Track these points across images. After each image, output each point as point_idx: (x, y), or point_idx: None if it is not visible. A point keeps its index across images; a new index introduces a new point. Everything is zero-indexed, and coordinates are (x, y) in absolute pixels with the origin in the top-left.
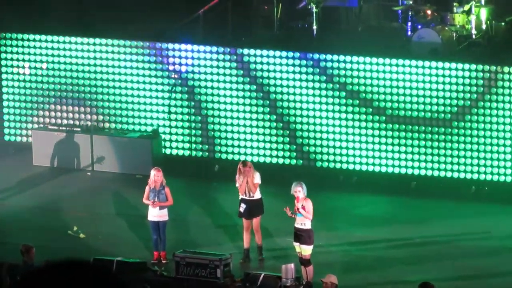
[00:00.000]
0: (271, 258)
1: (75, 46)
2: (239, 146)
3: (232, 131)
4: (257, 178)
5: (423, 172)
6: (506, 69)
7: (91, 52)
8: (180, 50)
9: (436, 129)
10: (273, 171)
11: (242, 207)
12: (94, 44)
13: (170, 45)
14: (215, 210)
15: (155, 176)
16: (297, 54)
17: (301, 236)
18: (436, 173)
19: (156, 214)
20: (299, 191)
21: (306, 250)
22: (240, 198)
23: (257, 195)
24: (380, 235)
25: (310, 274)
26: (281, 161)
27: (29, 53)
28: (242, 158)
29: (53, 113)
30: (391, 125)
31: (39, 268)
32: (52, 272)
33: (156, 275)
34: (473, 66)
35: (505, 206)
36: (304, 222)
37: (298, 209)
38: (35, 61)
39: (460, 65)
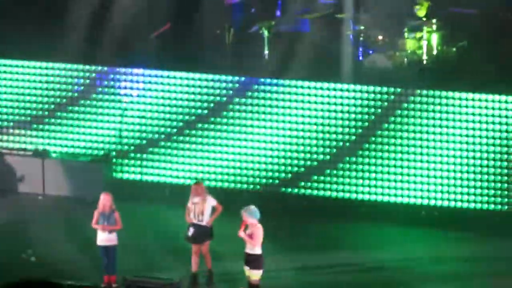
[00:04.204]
0: (221, 282)
1: (27, 70)
2: (190, 171)
3: (183, 156)
4: (211, 200)
5: (373, 197)
6: (456, 94)
7: (43, 76)
8: (132, 74)
9: (386, 154)
10: (229, 195)
11: (191, 231)
12: (47, 68)
13: (122, 69)
14: (166, 234)
15: (104, 200)
16: (249, 79)
17: (250, 261)
18: (386, 198)
19: (104, 238)
20: (246, 216)
21: (254, 274)
22: (189, 222)
23: (207, 219)
24: (329, 260)
25: None
26: (234, 185)
27: None
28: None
29: (5, 137)
30: (328, 149)
31: None
32: None
33: None
34: (424, 92)
35: (456, 232)
36: (252, 247)
37: (244, 237)
38: None
39: (410, 91)
